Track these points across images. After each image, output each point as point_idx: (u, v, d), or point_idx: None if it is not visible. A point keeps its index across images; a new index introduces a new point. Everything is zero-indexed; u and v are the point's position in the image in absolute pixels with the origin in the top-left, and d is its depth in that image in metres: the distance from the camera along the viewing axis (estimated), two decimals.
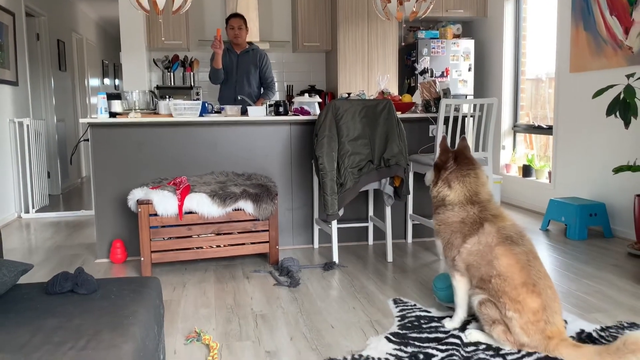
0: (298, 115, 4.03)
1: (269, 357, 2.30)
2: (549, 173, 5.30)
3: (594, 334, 2.44)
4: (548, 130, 5.33)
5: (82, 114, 8.50)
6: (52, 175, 6.76)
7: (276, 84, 5.44)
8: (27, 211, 5.59)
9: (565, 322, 2.53)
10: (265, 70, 4.95)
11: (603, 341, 2.37)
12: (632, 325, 2.54)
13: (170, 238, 3.46)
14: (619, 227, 4.35)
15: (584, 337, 2.41)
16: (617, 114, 3.63)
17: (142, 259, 3.41)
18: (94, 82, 9.43)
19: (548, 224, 4.63)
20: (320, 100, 4.37)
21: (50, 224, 5.16)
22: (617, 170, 3.74)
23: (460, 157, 2.48)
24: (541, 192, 5.35)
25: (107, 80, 10.59)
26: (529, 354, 2.19)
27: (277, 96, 6.67)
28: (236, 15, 4.86)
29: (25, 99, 5.92)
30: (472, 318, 2.55)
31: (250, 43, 5.01)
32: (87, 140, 3.78)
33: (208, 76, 4.99)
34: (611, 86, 3.73)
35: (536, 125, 5.60)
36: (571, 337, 2.35)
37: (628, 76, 3.68)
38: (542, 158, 5.63)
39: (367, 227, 4.25)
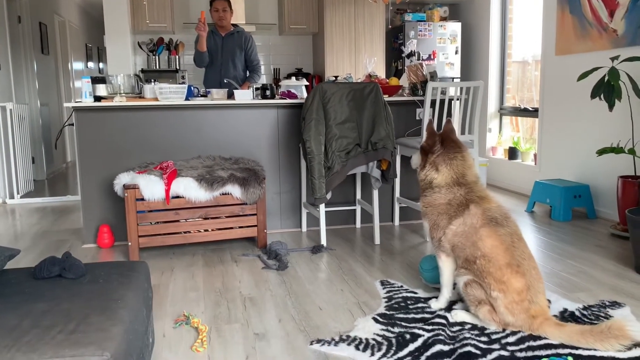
0: (285, 98, 4.01)
1: (257, 339, 2.33)
2: (535, 155, 5.35)
3: (577, 313, 2.49)
4: (534, 113, 5.37)
5: (67, 98, 8.39)
6: (36, 160, 6.69)
7: (262, 67, 5.40)
8: (11, 197, 5.54)
9: (549, 301, 2.58)
10: (250, 53, 4.88)
11: (585, 320, 2.42)
12: (614, 304, 2.60)
13: (158, 222, 3.45)
14: (602, 209, 4.41)
15: (567, 316, 2.46)
16: (602, 96, 3.67)
17: (129, 243, 3.40)
18: (78, 65, 9.29)
19: (533, 205, 4.69)
20: (307, 83, 4.35)
21: (36, 209, 5.12)
22: (601, 152, 3.79)
23: (446, 140, 2.50)
24: (527, 174, 5.41)
25: (91, 64, 10.44)
26: (513, 333, 2.24)
27: (263, 79, 6.63)
28: None
29: (7, 83, 5.83)
30: (458, 299, 2.59)
31: (235, 25, 4.93)
32: (72, 124, 3.74)
33: (193, 59, 4.93)
34: (596, 69, 3.77)
35: (522, 107, 5.63)
36: (554, 316, 2.40)
37: (612, 59, 3.71)
38: (528, 140, 5.67)
39: (354, 210, 4.28)
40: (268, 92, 4.03)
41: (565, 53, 4.73)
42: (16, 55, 6.38)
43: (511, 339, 2.20)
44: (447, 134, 2.53)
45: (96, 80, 3.90)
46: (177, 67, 6.24)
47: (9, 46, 5.93)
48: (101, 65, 11.38)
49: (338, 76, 4.73)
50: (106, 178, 3.78)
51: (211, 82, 4.85)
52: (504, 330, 2.27)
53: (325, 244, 3.67)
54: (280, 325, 2.45)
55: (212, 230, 3.54)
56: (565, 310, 2.53)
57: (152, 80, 4.87)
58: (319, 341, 2.26)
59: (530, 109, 5.46)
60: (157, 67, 6.19)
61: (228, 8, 4.76)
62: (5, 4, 5.86)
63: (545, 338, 2.18)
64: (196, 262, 3.41)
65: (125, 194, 3.35)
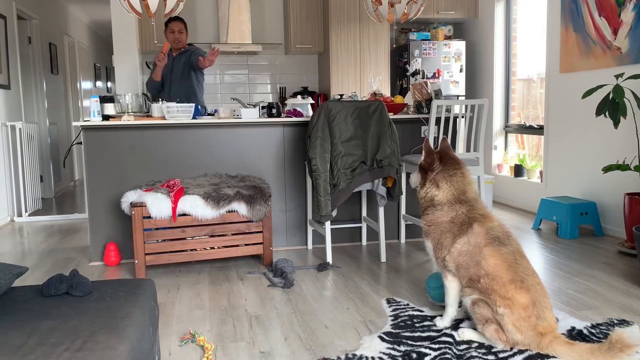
0: (291, 117, 4.04)
1: (263, 357, 2.32)
2: (541, 173, 5.35)
3: (585, 331, 2.47)
4: (539, 130, 5.38)
5: (75, 117, 8.49)
6: (45, 178, 6.74)
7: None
8: (19, 215, 5.58)
9: (557, 319, 2.55)
10: (194, 58, 4.65)
11: (594, 338, 2.40)
12: (622, 322, 2.58)
13: (164, 240, 3.47)
14: (609, 226, 4.39)
15: (574, 335, 2.44)
16: (607, 113, 3.68)
17: (136, 261, 3.41)
18: (86, 85, 9.41)
19: (540, 223, 4.67)
20: (312, 101, 4.39)
21: (44, 227, 5.15)
22: (607, 169, 3.78)
23: (445, 157, 2.51)
24: (533, 191, 5.39)
25: (99, 83, 10.57)
26: (521, 352, 2.22)
27: (269, 98, 6.69)
28: (176, 19, 4.72)
29: (17, 102, 5.91)
30: (465, 318, 2.58)
31: (190, 44, 4.94)
32: (80, 143, 3.78)
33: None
34: (600, 86, 3.78)
35: (527, 125, 5.64)
36: (562, 334, 2.37)
37: (617, 76, 3.73)
38: (533, 158, 5.67)
39: (360, 228, 4.28)
40: (274, 111, 4.06)
41: (569, 71, 4.75)
42: (26, 75, 6.48)
43: (518, 358, 2.18)
44: (445, 151, 2.55)
45: (104, 100, 3.95)
46: None
47: (19, 66, 6.02)
48: (109, 84, 11.52)
49: (343, 94, 4.76)
50: (113, 196, 3.81)
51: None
52: (511, 349, 2.25)
53: (331, 262, 3.66)
54: (286, 344, 2.45)
55: (218, 247, 3.55)
56: (573, 328, 2.51)
57: (160, 100, 4.92)
58: None
59: (536, 126, 5.47)
60: None
61: (184, 30, 4.78)
62: (16, 25, 5.97)
63: (554, 357, 2.17)
64: (202, 280, 3.41)
65: (133, 212, 3.37)
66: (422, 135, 4.27)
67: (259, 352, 2.37)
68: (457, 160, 2.52)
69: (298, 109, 4.16)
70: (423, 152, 2.53)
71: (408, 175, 4.18)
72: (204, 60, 4.43)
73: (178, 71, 4.79)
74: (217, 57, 4.52)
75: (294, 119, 4.00)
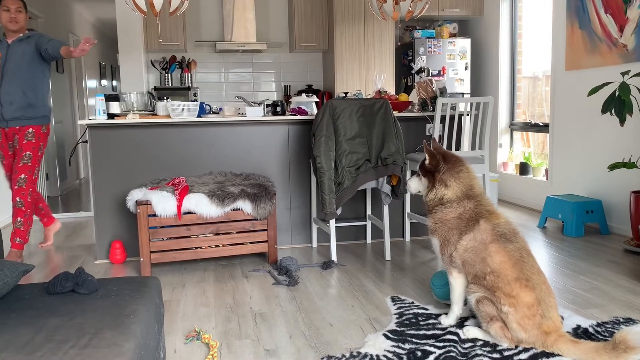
0: (295, 115, 4.05)
1: (268, 355, 2.32)
2: (546, 171, 5.33)
3: (590, 330, 2.46)
4: (545, 128, 5.36)
5: (80, 115, 8.51)
6: (50, 177, 6.77)
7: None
8: None
9: (562, 317, 2.55)
10: (47, 45, 3.77)
11: (599, 336, 2.39)
12: (628, 321, 2.57)
13: (170, 238, 3.48)
14: (615, 224, 4.38)
15: (580, 333, 2.44)
16: (613, 111, 3.66)
17: (141, 259, 3.42)
18: (92, 83, 9.44)
19: (545, 221, 4.66)
20: (317, 100, 4.39)
21: None
22: (613, 167, 3.77)
23: (447, 156, 2.52)
24: (538, 189, 5.38)
25: (104, 82, 10.60)
26: (526, 350, 2.21)
27: (274, 96, 6.70)
28: None
29: None
30: (470, 316, 2.58)
31: (31, 29, 3.97)
32: (86, 141, 3.79)
33: None
34: (606, 84, 3.76)
35: (533, 123, 5.63)
36: (568, 332, 2.37)
37: (623, 74, 3.71)
38: (539, 156, 5.65)
39: (365, 226, 4.28)
40: (279, 109, 4.07)
41: (575, 68, 4.73)
42: None
43: (524, 356, 2.18)
44: (443, 150, 2.56)
45: (110, 98, 3.96)
46: (190, 85, 6.31)
47: None
48: (115, 83, 11.55)
49: (348, 92, 4.76)
50: (119, 194, 3.82)
51: None
52: (516, 347, 2.25)
53: (335, 260, 3.67)
54: (291, 341, 2.45)
55: (223, 245, 3.56)
56: (579, 326, 2.50)
57: (165, 98, 4.93)
58: (329, 357, 2.25)
59: (541, 124, 5.45)
60: (170, 85, 6.27)
61: (23, 8, 3.81)
62: None
63: (559, 355, 2.16)
64: (207, 278, 3.42)
65: (138, 210, 3.38)
66: (427, 133, 4.26)
67: (264, 349, 2.38)
68: (458, 157, 2.54)
69: (302, 107, 4.16)
70: (426, 155, 2.53)
71: (413, 173, 4.17)
72: (74, 50, 3.64)
73: (15, 62, 3.76)
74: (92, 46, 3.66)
75: (299, 117, 4.00)
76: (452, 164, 2.49)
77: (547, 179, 5.28)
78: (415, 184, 2.62)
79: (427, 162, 2.53)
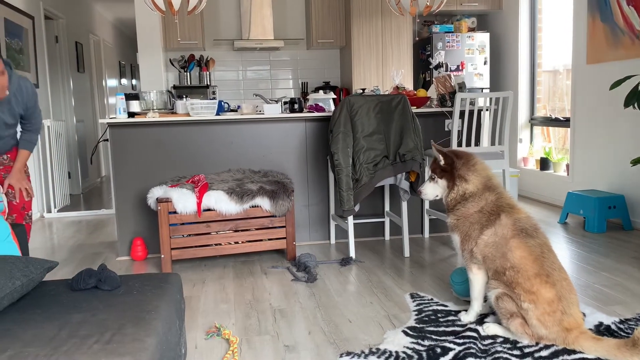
0: (313, 112, 4.05)
1: (287, 351, 2.34)
2: (567, 166, 5.26)
3: (613, 327, 2.43)
4: (566, 123, 5.29)
5: (101, 114, 8.63)
6: (72, 175, 6.88)
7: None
8: (49, 211, 5.70)
9: (584, 314, 2.52)
10: (32, 110, 3.12)
11: (622, 334, 2.36)
12: None
13: (190, 235, 3.51)
14: (638, 220, 4.30)
15: (602, 330, 2.41)
16: (635, 105, 3.60)
17: (162, 256, 3.46)
18: (112, 82, 9.56)
19: (566, 217, 4.60)
20: (334, 96, 4.39)
21: (72, 223, 5.26)
22: (636, 161, 3.70)
23: (458, 153, 2.52)
24: (559, 185, 5.31)
25: (124, 81, 10.72)
26: (547, 347, 2.20)
27: (292, 93, 6.71)
28: None
29: (45, 100, 6.03)
30: (489, 312, 2.56)
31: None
32: (107, 140, 3.85)
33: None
34: (629, 77, 3.70)
35: (553, 117, 5.55)
36: (589, 329, 2.34)
37: None
38: (560, 151, 5.58)
39: (383, 223, 4.27)
40: (296, 106, 4.08)
41: (596, 61, 4.65)
42: (54, 74, 6.61)
43: (544, 353, 2.16)
44: (450, 149, 2.56)
45: (130, 97, 4.01)
46: (208, 83, 6.36)
47: (47, 65, 6.14)
48: (134, 82, 11.67)
49: (365, 89, 4.75)
50: (140, 192, 3.87)
51: None
52: (537, 343, 2.23)
53: (354, 257, 3.67)
54: (310, 338, 2.46)
55: (242, 242, 3.58)
56: (601, 323, 2.47)
57: (184, 96, 4.97)
58: (348, 354, 2.26)
59: (562, 118, 5.37)
60: (189, 83, 6.32)
61: (4, 68, 2.87)
62: (44, 25, 6.08)
63: (580, 352, 2.14)
64: (227, 274, 3.45)
65: (158, 207, 3.42)
66: (446, 129, 4.23)
67: (283, 345, 2.39)
68: (467, 152, 2.56)
69: (320, 104, 4.17)
70: (439, 156, 2.52)
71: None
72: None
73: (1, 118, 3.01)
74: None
75: (316, 114, 4.00)
76: (465, 158, 2.50)
77: (568, 174, 5.21)
78: (430, 190, 2.59)
79: (441, 162, 2.52)
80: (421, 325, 2.50)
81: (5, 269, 1.78)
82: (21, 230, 2.44)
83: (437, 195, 2.59)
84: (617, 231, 4.25)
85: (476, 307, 2.50)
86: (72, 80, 7.09)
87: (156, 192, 3.51)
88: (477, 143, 4.05)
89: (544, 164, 5.60)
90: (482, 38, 6.20)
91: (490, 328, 2.37)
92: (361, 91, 4.58)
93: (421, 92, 4.28)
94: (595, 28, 4.64)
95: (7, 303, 1.74)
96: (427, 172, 4.06)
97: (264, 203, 3.50)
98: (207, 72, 6.37)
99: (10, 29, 5.07)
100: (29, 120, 3.14)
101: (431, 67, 6.16)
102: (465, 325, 2.47)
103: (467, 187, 2.46)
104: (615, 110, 4.50)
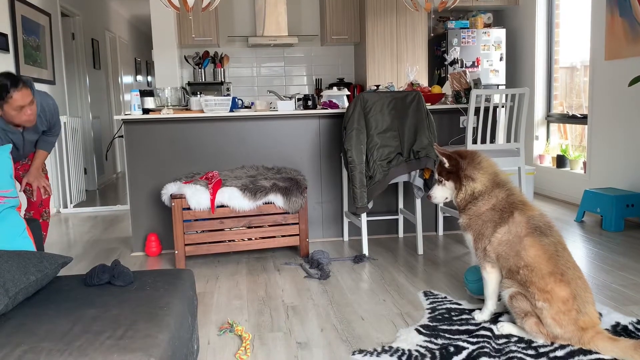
0: (327, 108, 4.04)
1: (300, 348, 2.34)
2: (584, 163, 5.19)
3: (630, 327, 2.39)
4: (583, 120, 5.21)
5: (117, 110, 8.70)
6: (88, 171, 6.94)
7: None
8: (65, 206, 5.76)
9: (600, 314, 2.48)
10: (54, 123, 3.18)
11: (639, 334, 2.32)
12: None
13: (203, 231, 3.53)
14: None
15: (619, 330, 2.37)
16: None
17: (176, 252, 3.48)
18: (127, 79, 9.62)
19: (583, 215, 4.54)
20: (348, 93, 4.37)
21: (88, 218, 5.31)
22: None
23: (461, 153, 2.50)
24: (576, 182, 5.24)
25: (139, 78, 10.79)
26: (562, 347, 2.17)
27: (305, 90, 6.70)
28: (17, 83, 2.72)
29: (62, 97, 6.09)
30: (503, 311, 2.53)
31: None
32: (122, 136, 3.87)
33: None
34: None
35: (570, 114, 5.48)
36: (606, 329, 2.31)
37: None
38: (576, 148, 5.51)
39: (397, 220, 4.25)
40: (310, 103, 4.07)
41: (615, 57, 4.58)
42: (70, 71, 6.67)
43: (560, 353, 2.13)
44: (454, 150, 2.53)
45: (145, 94, 4.03)
46: (222, 80, 6.37)
47: (64, 62, 6.20)
48: (149, 78, 11.75)
49: (379, 85, 4.72)
50: (154, 188, 3.89)
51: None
52: (552, 343, 2.20)
53: (367, 254, 3.65)
54: (323, 335, 2.46)
55: (256, 239, 3.59)
56: (618, 324, 2.43)
57: (198, 93, 4.99)
58: (361, 351, 2.25)
59: (579, 115, 5.30)
60: (203, 80, 6.34)
61: (32, 96, 2.82)
62: (60, 22, 6.14)
63: (596, 352, 2.11)
64: (240, 271, 3.46)
65: (173, 204, 3.44)
66: (461, 126, 4.20)
67: (296, 342, 2.39)
68: (471, 150, 2.54)
69: (334, 100, 4.15)
70: (443, 159, 2.50)
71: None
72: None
73: (29, 140, 3.12)
74: None
75: (330, 110, 3.99)
76: (469, 157, 2.48)
77: (585, 172, 5.13)
78: (439, 193, 2.57)
79: (446, 165, 2.50)
80: (434, 324, 2.49)
81: (20, 264, 1.80)
82: (36, 226, 2.47)
83: (446, 198, 2.57)
84: (635, 230, 4.18)
85: (490, 305, 2.48)
86: (88, 77, 7.15)
87: (170, 188, 3.53)
88: (493, 140, 4.01)
89: (561, 161, 5.53)
90: (498, 34, 6.13)
91: (504, 327, 2.35)
92: (375, 88, 4.56)
93: (436, 89, 4.25)
94: (614, 23, 4.57)
95: (21, 298, 1.76)
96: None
97: (277, 200, 3.50)
98: (222, 69, 6.38)
99: (28, 26, 5.12)
100: (50, 130, 3.22)
101: (446, 63, 6.11)
102: (479, 324, 2.45)
103: (475, 186, 2.44)
104: (633, 107, 4.42)
